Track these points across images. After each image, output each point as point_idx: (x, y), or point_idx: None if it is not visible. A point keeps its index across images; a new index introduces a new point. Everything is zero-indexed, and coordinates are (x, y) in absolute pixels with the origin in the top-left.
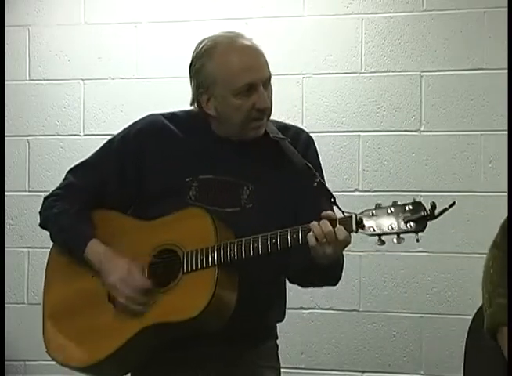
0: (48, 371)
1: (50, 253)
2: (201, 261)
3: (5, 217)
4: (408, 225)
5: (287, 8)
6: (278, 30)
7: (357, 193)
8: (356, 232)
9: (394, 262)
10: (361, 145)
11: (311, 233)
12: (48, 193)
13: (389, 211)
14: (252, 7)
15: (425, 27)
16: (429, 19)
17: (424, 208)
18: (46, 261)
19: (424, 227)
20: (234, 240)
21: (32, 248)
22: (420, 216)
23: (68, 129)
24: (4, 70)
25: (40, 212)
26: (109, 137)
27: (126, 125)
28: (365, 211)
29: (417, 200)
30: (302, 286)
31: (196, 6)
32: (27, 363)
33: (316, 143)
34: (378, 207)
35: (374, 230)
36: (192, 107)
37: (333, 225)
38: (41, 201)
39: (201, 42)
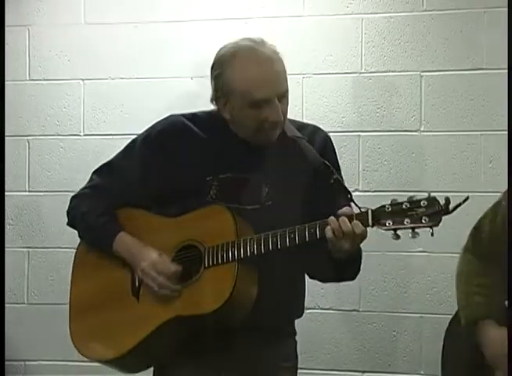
0: (48, 371)
1: (77, 250)
2: (222, 256)
3: (5, 217)
4: (423, 219)
5: (287, 8)
6: (278, 30)
7: (357, 193)
8: (372, 226)
9: (394, 262)
10: (361, 145)
11: (328, 227)
12: (74, 193)
13: (404, 207)
14: (252, 7)
15: (425, 27)
16: (429, 19)
17: (439, 203)
18: (73, 258)
19: (439, 222)
20: (254, 235)
21: (32, 248)
22: (434, 211)
23: (68, 129)
24: (4, 70)
25: (67, 212)
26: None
27: (148, 125)
28: (381, 206)
29: (432, 195)
30: (321, 281)
31: (195, 6)
32: (27, 363)
33: None
34: (394, 202)
35: (390, 225)
36: (212, 108)
37: (350, 220)
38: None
39: (223, 48)
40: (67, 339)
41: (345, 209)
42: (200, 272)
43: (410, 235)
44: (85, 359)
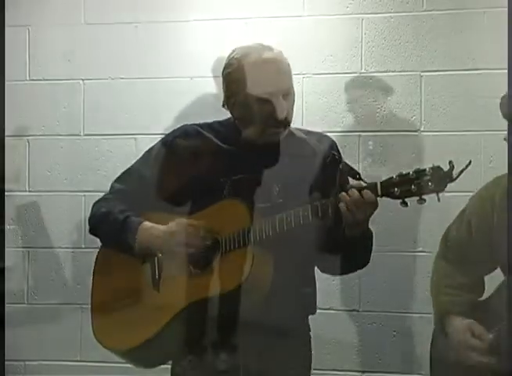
0: (48, 371)
1: (98, 253)
2: (238, 241)
3: (5, 217)
4: (429, 186)
5: (287, 8)
6: (278, 30)
7: None
8: (381, 196)
9: (394, 262)
10: (361, 145)
11: (341, 203)
12: (95, 200)
13: (411, 176)
14: (252, 7)
15: (425, 27)
16: (429, 19)
17: (443, 171)
18: (96, 256)
19: (445, 187)
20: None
21: (32, 248)
22: (440, 177)
23: (68, 129)
24: (4, 70)
25: (89, 219)
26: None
27: (163, 135)
28: (389, 178)
29: (436, 164)
30: (333, 273)
31: (196, 6)
32: (27, 363)
33: None
34: (400, 174)
35: (397, 193)
36: (223, 119)
37: (360, 191)
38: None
39: (233, 51)
40: (67, 339)
41: (355, 183)
42: (218, 258)
43: (417, 202)
44: (85, 359)
